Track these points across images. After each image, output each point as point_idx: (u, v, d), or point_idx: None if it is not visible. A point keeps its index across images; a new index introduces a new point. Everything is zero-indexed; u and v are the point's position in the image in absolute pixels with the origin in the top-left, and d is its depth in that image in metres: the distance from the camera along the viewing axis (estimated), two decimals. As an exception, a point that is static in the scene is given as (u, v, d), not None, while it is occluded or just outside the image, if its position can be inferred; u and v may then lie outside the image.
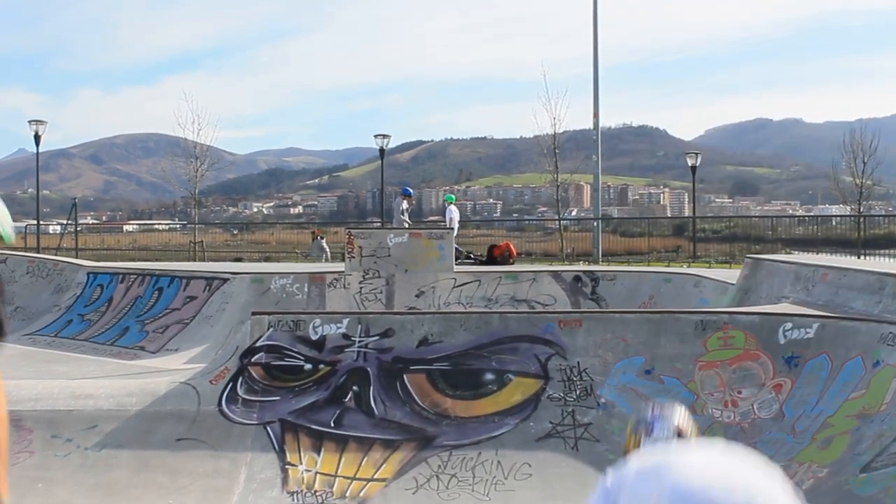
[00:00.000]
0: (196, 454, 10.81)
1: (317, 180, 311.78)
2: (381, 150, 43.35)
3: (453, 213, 27.33)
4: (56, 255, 32.61)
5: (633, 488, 3.06)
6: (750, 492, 2.88)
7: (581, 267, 26.47)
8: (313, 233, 35.74)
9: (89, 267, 24.62)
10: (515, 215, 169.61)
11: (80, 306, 22.59)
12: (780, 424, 10.71)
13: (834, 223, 43.88)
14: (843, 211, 47.03)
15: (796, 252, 32.75)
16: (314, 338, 11.95)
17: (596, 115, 37.51)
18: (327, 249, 33.35)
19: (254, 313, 12.47)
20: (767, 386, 11.11)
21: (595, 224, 37.30)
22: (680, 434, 3.77)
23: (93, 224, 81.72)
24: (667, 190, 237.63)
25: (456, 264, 22.41)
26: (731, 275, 19.59)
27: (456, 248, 23.58)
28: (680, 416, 3.87)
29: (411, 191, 28.80)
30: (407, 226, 25.67)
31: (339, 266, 22.76)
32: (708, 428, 10.92)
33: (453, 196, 28.65)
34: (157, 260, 33.50)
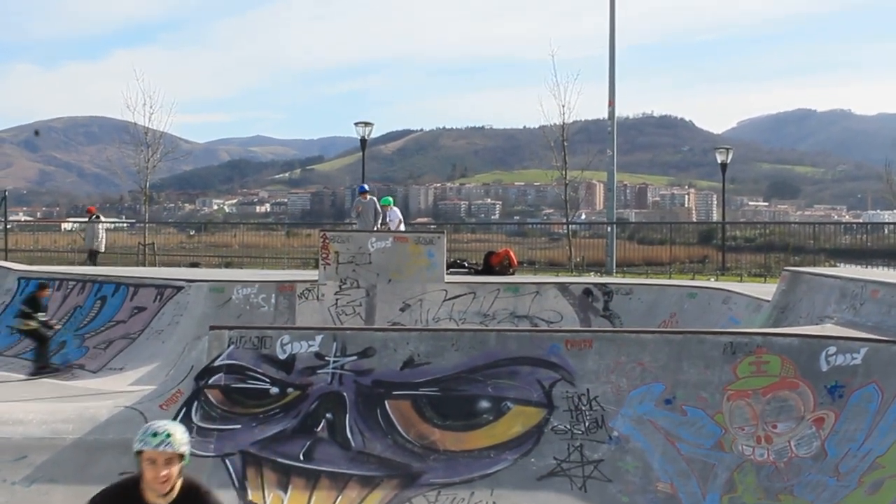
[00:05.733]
0: (142, 491, 10.76)
1: (287, 174, 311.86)
2: (363, 141, 43.29)
3: (397, 215, 27.42)
4: (-18, 256, 32.54)
5: None
6: None
7: (592, 279, 26.47)
8: (88, 211, 34.89)
9: (21, 271, 24.58)
10: (517, 218, 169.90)
11: (10, 317, 22.48)
12: (822, 465, 10.71)
13: (887, 231, 43.94)
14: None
15: (842, 264, 32.82)
16: (282, 357, 11.94)
17: (612, 103, 37.53)
18: (101, 234, 32.44)
19: (212, 328, 12.46)
20: (807, 420, 11.12)
21: (609, 229, 37.27)
22: None
23: (26, 221, 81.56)
24: (692, 191, 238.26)
25: (447, 274, 22.42)
26: (766, 290, 19.62)
27: None
28: None
29: (367, 187, 29.05)
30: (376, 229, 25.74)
31: (312, 274, 22.74)
32: (738, 467, 10.92)
33: (391, 198, 28.74)
34: (99, 264, 33.38)
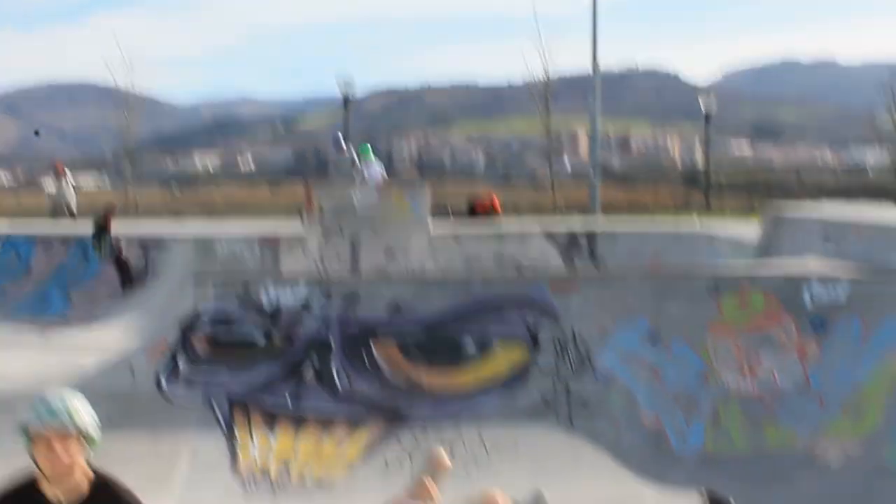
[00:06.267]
0: (131, 437, 10.76)
1: (270, 131, 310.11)
2: (345, 98, 43.31)
3: (378, 171, 24.25)
4: (-35, 217, 32.31)
5: None
6: None
7: (576, 223, 26.46)
8: (55, 168, 33.80)
9: (3, 231, 24.44)
10: (501, 167, 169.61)
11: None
12: (806, 394, 10.81)
13: (870, 173, 44.14)
14: (879, 156, 47.27)
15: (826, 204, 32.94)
16: (267, 305, 11.94)
17: (594, 49, 37.50)
18: (66, 192, 31.58)
19: (196, 277, 12.45)
20: (790, 351, 11.19)
21: (592, 172, 37.22)
22: None
23: (8, 184, 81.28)
24: (676, 136, 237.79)
25: (431, 221, 22.39)
26: (750, 231, 19.67)
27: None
28: None
29: (341, 140, 26.51)
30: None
31: (297, 226, 22.68)
32: (722, 399, 11.00)
33: (369, 147, 25.13)
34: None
